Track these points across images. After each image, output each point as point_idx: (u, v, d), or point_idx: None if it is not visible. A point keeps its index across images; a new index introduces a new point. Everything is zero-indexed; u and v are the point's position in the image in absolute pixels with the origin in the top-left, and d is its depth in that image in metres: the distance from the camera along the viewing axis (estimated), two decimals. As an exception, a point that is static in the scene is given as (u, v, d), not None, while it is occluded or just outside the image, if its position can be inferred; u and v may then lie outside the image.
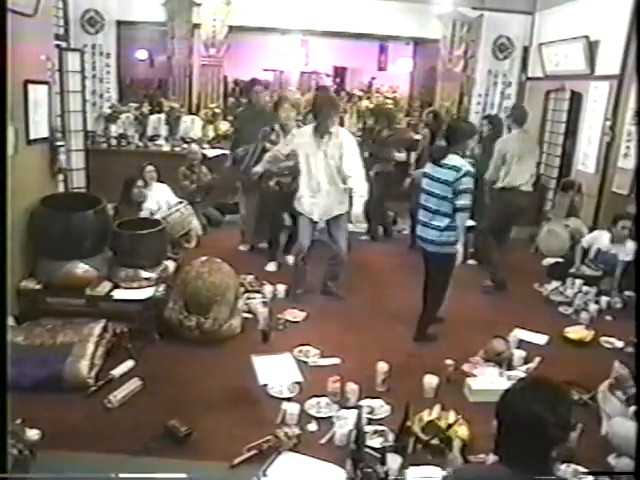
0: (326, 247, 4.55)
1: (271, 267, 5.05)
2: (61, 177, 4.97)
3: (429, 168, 3.73)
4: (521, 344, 3.79)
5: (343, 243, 4.40)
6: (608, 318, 4.41)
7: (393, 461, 2.46)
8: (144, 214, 4.94)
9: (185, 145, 7.11)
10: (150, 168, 5.52)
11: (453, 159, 3.59)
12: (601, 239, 4.98)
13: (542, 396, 1.61)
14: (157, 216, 4.95)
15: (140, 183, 4.92)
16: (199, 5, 7.34)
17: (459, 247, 3.59)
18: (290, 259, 4.98)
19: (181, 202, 5.50)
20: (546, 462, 1.60)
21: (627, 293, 4.68)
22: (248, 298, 4.22)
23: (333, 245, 4.40)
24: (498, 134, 5.40)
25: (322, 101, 4.38)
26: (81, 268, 3.62)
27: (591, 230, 5.46)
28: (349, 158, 4.16)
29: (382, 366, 3.18)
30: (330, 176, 4.19)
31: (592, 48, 6.04)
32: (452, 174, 3.53)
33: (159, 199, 5.48)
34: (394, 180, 6.24)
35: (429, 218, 3.68)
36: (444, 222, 3.60)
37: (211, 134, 7.52)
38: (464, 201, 3.53)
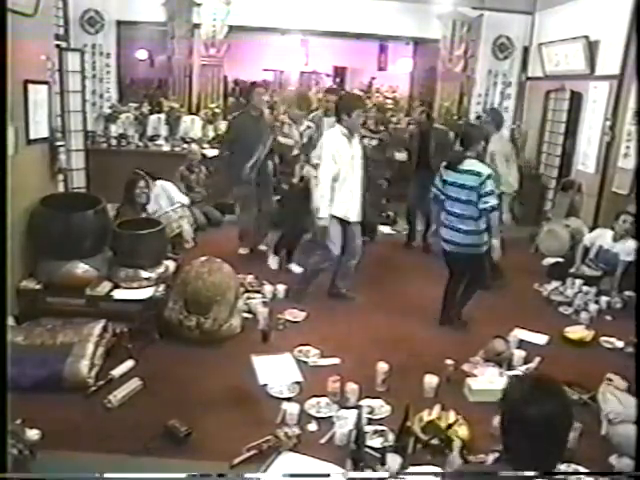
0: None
1: (273, 263, 5.00)
2: (61, 177, 4.97)
3: (447, 174, 3.85)
4: (521, 344, 3.78)
5: (360, 241, 4.39)
6: (608, 318, 4.41)
7: (393, 461, 2.46)
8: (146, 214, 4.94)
9: (185, 145, 7.11)
10: (141, 184, 4.85)
11: (473, 164, 3.76)
12: (603, 237, 4.98)
13: (554, 397, 1.60)
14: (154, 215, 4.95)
15: (142, 184, 4.88)
16: (199, 5, 7.34)
17: (495, 242, 3.79)
18: (296, 268, 4.97)
19: (181, 203, 5.50)
20: (556, 462, 1.60)
21: (627, 293, 4.68)
22: (248, 298, 4.22)
23: (353, 241, 4.31)
24: (488, 136, 5.36)
25: (354, 100, 4.28)
26: (81, 268, 3.62)
27: (591, 230, 5.46)
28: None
29: (382, 366, 3.18)
30: (360, 175, 4.20)
31: (592, 48, 6.05)
32: (475, 179, 3.70)
33: (161, 199, 5.48)
34: (394, 181, 6.24)
35: (453, 222, 3.84)
36: (469, 225, 3.79)
37: (211, 134, 7.52)
38: (493, 202, 3.71)
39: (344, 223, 4.22)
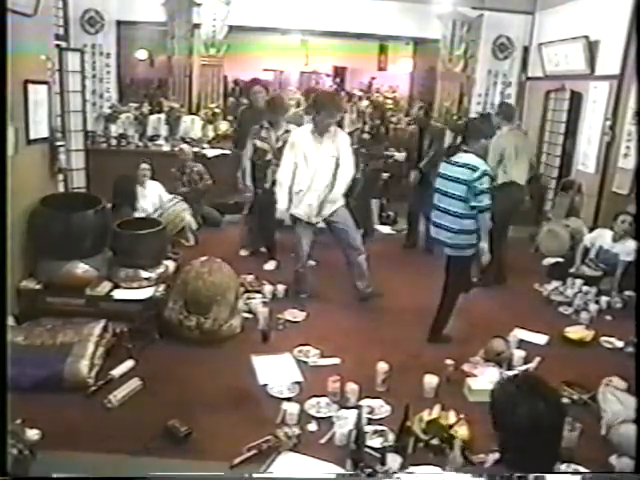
0: (329, 249, 4.53)
1: (270, 266, 5.04)
2: (61, 177, 4.96)
3: (443, 167, 3.71)
4: (521, 344, 3.78)
5: (355, 234, 4.33)
6: (608, 318, 4.41)
7: (393, 461, 2.46)
8: (139, 214, 4.95)
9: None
10: (145, 166, 5.51)
11: (467, 157, 3.56)
12: (604, 237, 4.98)
13: (539, 396, 1.60)
14: (153, 215, 4.95)
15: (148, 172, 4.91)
16: (199, 5, 7.35)
17: (484, 245, 3.55)
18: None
19: (173, 199, 5.50)
20: (553, 461, 1.60)
21: (627, 293, 4.67)
22: (248, 298, 4.22)
23: (344, 240, 4.28)
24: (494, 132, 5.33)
25: (324, 100, 4.23)
26: (81, 268, 3.62)
27: (591, 230, 5.46)
28: (343, 160, 4.16)
29: (382, 366, 3.18)
30: (326, 176, 4.15)
31: (592, 48, 6.04)
32: (468, 173, 3.48)
33: (153, 198, 5.48)
34: (392, 180, 6.25)
35: (441, 219, 3.66)
36: (457, 224, 3.55)
37: (211, 134, 7.52)
38: (486, 202, 3.48)
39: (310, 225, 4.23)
